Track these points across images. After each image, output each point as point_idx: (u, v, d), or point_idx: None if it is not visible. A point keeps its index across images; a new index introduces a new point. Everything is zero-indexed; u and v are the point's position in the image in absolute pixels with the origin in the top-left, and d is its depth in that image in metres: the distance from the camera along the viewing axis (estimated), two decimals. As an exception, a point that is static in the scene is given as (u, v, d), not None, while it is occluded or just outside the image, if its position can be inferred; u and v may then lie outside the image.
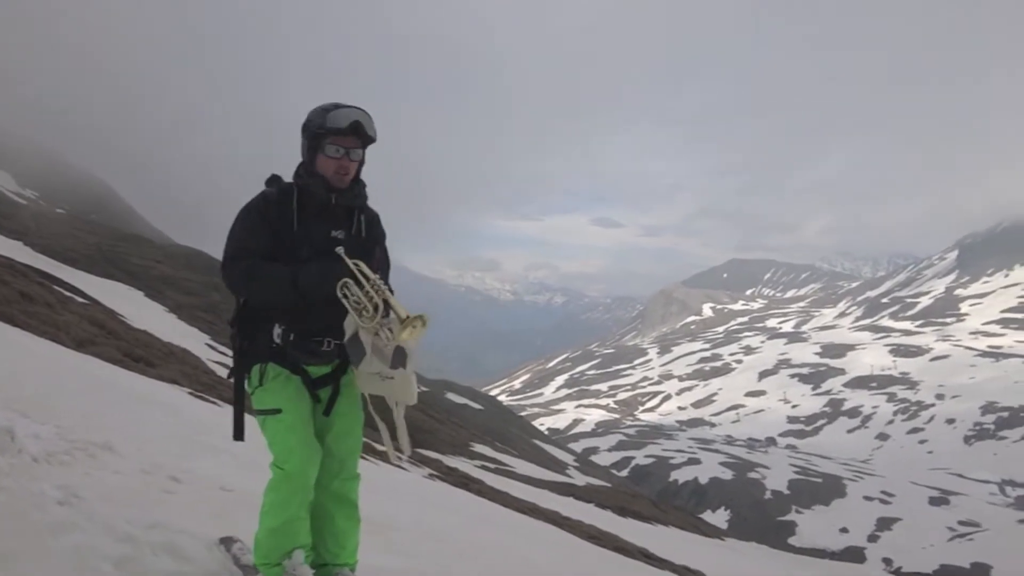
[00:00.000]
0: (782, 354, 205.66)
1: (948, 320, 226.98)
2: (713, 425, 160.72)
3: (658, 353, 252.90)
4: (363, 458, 4.32)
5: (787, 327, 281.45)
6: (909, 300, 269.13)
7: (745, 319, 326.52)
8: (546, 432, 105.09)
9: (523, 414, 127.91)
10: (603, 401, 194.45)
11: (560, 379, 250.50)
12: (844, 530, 72.93)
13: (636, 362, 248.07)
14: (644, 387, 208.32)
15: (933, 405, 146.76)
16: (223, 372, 21.54)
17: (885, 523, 73.79)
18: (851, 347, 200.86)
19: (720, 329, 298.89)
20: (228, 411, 13.45)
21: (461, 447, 37.35)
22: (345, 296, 3.83)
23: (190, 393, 14.06)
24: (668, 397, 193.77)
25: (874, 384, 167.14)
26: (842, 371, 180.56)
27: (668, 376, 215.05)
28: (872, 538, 71.18)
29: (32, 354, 10.75)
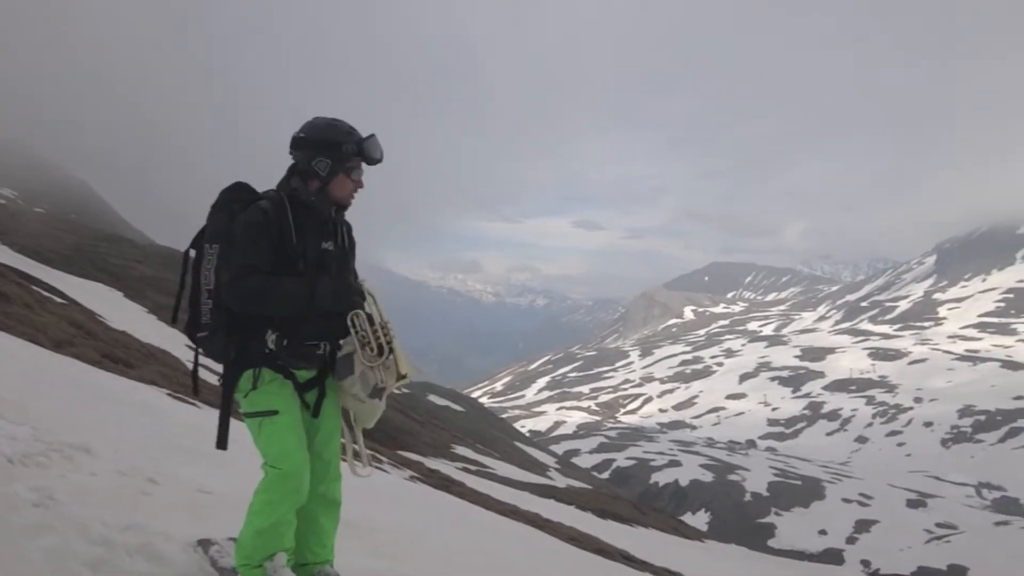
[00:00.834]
0: (762, 357, 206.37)
1: (926, 324, 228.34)
2: (694, 427, 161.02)
3: (639, 355, 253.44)
4: (343, 460, 4.34)
5: (767, 330, 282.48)
6: (888, 304, 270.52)
7: (726, 322, 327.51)
8: (527, 434, 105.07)
9: (505, 416, 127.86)
10: (584, 403, 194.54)
11: (542, 381, 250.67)
12: (823, 532, 73.20)
13: (618, 364, 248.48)
14: (625, 389, 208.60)
15: (911, 408, 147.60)
16: (203, 374, 21.45)
17: (863, 525, 74.12)
18: (831, 350, 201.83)
19: (701, 332, 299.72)
20: (207, 413, 13.39)
21: (442, 449, 37.31)
22: (353, 324, 4.00)
23: (169, 395, 13.98)
24: (649, 399, 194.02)
25: (853, 387, 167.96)
26: (821, 374, 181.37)
27: (649, 378, 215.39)
28: (850, 540, 71.45)
29: (9, 355, 10.66)
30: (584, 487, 48.05)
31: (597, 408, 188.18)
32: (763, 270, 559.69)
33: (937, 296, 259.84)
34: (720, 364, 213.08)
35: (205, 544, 4.39)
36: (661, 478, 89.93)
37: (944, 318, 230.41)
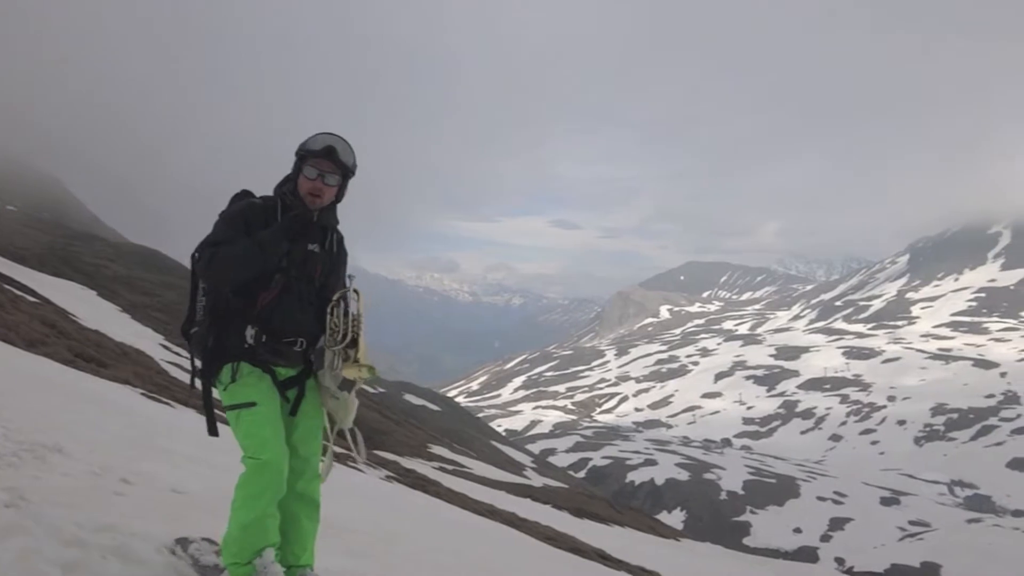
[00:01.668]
0: (738, 356, 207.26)
1: (900, 323, 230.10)
2: (669, 426, 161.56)
3: (615, 355, 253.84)
4: (321, 460, 4.34)
5: (743, 329, 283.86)
6: (862, 303, 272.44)
7: (702, 321, 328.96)
8: (504, 433, 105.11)
9: (481, 415, 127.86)
10: (561, 402, 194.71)
11: (518, 380, 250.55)
12: (798, 530, 73.64)
13: (594, 364, 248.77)
14: (601, 388, 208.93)
15: (885, 407, 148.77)
16: (177, 373, 21.33)
17: (837, 523, 74.63)
18: (805, 349, 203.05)
19: (677, 331, 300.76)
20: (182, 412, 13.33)
21: (418, 448, 37.25)
22: (331, 313, 4.13)
23: (143, 394, 13.89)
24: (625, 398, 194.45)
25: (827, 386, 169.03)
26: (796, 373, 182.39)
27: (625, 378, 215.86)
28: (825, 538, 71.93)
29: (-20, 354, 10.56)
30: (560, 486, 48.10)
31: (573, 407, 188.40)
32: (738, 269, 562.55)
33: (910, 295, 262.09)
34: (696, 363, 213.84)
35: (183, 542, 4.38)
36: (637, 477, 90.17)
37: (917, 317, 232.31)
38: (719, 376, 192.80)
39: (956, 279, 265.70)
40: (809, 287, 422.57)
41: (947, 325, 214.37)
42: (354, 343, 4.07)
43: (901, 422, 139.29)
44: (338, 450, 4.40)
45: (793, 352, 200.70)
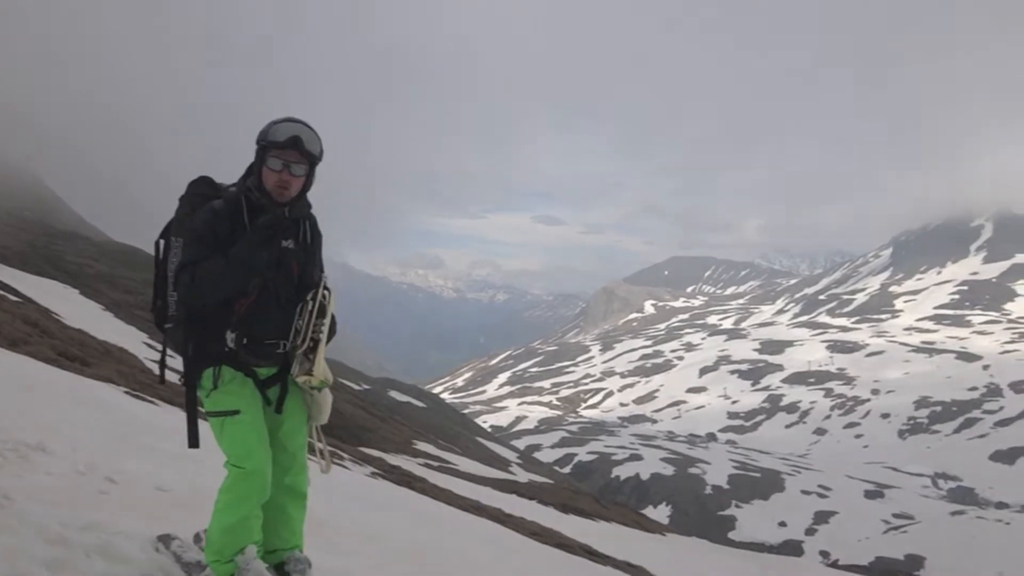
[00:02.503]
0: (722, 351, 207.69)
1: (883, 316, 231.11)
2: (654, 421, 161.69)
3: (600, 350, 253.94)
4: (311, 459, 4.38)
5: (727, 324, 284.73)
6: (845, 297, 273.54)
7: (686, 316, 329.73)
8: (489, 429, 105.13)
9: (466, 411, 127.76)
10: (546, 398, 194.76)
11: (503, 376, 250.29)
12: (782, 524, 73.92)
13: (579, 359, 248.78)
14: (587, 384, 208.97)
15: (868, 400, 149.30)
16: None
17: (822, 516, 74.93)
18: (789, 343, 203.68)
19: (662, 326, 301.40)
20: (166, 410, 13.27)
21: (404, 445, 37.21)
22: (299, 314, 4.09)
23: (126, 392, 13.84)
24: (610, 394, 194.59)
25: (811, 380, 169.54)
26: (780, 367, 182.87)
27: (610, 373, 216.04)
28: (809, 531, 72.22)
29: (-38, 354, 10.51)
30: (546, 482, 48.14)
31: (558, 403, 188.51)
32: (722, 264, 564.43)
33: (893, 289, 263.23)
34: (680, 358, 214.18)
35: (166, 539, 4.39)
36: (622, 472, 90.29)
37: (900, 310, 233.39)
38: (704, 371, 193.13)
39: (939, 272, 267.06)
40: (793, 281, 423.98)
41: (930, 318, 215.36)
42: (313, 349, 4.05)
43: (885, 415, 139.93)
44: (319, 447, 4.41)
45: (777, 346, 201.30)
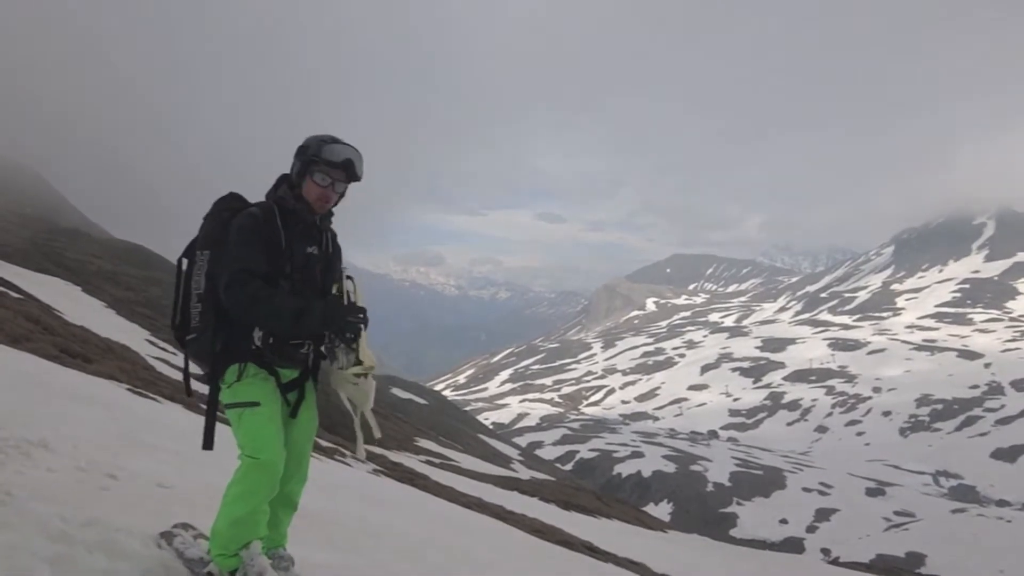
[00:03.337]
0: (724, 348, 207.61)
1: (885, 314, 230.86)
2: (656, 419, 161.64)
3: (602, 347, 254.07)
4: (308, 459, 4.40)
5: (729, 321, 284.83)
6: (847, 295, 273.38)
7: (688, 313, 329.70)
8: (491, 426, 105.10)
9: (468, 409, 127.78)
10: (547, 395, 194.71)
11: (505, 374, 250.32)
12: (784, 521, 73.91)
13: (580, 356, 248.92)
14: (588, 381, 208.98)
15: (870, 398, 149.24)
16: (163, 368, 21.27)
17: (823, 514, 74.91)
18: (791, 341, 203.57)
19: (663, 323, 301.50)
20: (167, 407, 13.26)
21: (406, 442, 37.23)
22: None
23: (128, 389, 13.85)
24: (612, 391, 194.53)
25: (813, 377, 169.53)
26: (782, 365, 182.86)
27: (612, 370, 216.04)
28: (811, 529, 72.20)
29: (-36, 350, 10.51)
30: (548, 479, 48.17)
31: (560, 400, 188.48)
32: (724, 262, 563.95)
33: (895, 287, 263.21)
34: (682, 355, 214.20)
35: (168, 536, 4.41)
36: (624, 469, 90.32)
37: (902, 308, 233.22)
38: (705, 368, 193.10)
39: (940, 270, 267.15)
40: (795, 279, 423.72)
41: (932, 316, 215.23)
42: (354, 339, 4.18)
43: (886, 413, 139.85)
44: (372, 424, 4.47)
45: (779, 344, 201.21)
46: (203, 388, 4.37)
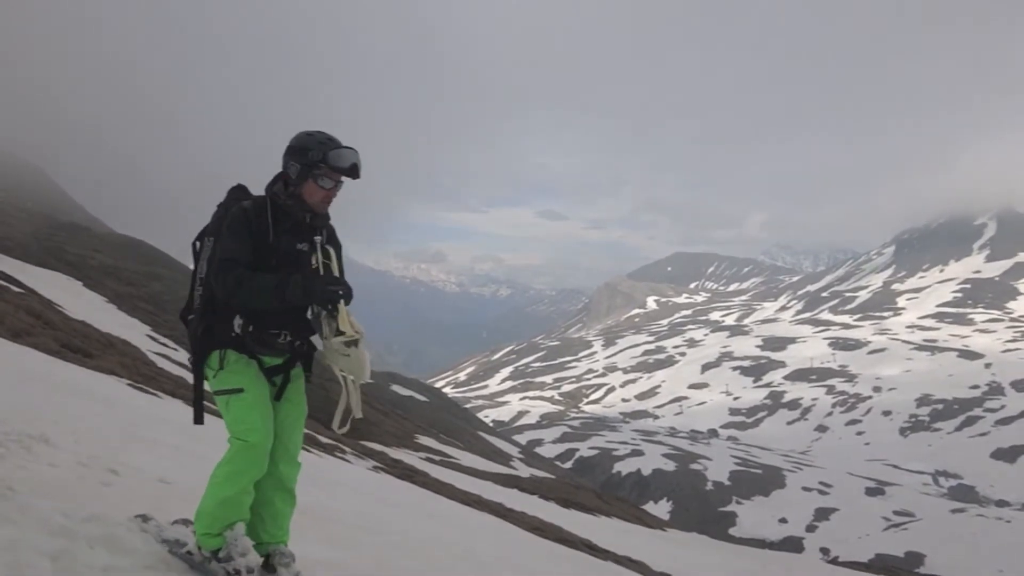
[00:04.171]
0: (724, 347, 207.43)
1: (885, 314, 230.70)
2: (656, 417, 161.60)
3: (603, 345, 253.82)
4: (306, 450, 4.40)
5: (729, 320, 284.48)
6: (848, 294, 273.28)
7: (689, 312, 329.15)
8: (491, 424, 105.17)
9: (468, 406, 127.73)
10: (548, 393, 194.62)
11: (505, 371, 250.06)
12: (783, 520, 73.90)
13: (581, 354, 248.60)
14: (589, 379, 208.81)
15: (870, 397, 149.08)
16: (164, 363, 21.29)
17: (823, 513, 74.91)
18: (792, 340, 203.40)
19: (664, 322, 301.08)
20: (168, 403, 13.29)
21: (406, 439, 37.28)
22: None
23: (129, 384, 13.86)
24: (612, 389, 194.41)
25: (813, 377, 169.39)
26: (783, 364, 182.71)
27: (612, 368, 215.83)
28: (810, 528, 72.19)
29: (-35, 345, 10.51)
30: (547, 477, 48.19)
31: (560, 398, 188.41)
32: (725, 260, 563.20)
33: (896, 286, 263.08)
34: (683, 354, 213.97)
35: (143, 518, 4.48)
36: (624, 467, 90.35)
37: (903, 308, 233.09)
38: (706, 367, 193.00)
39: (941, 270, 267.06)
40: (796, 278, 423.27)
41: (932, 316, 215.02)
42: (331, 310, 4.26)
43: (886, 413, 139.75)
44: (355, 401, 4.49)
45: (779, 343, 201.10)
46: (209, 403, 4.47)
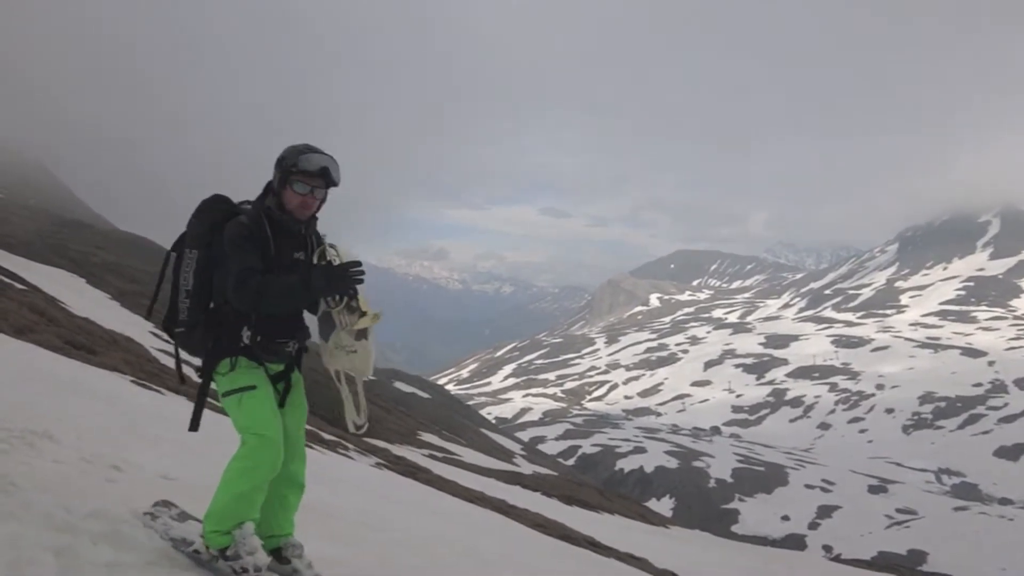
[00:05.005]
0: (727, 344, 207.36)
1: (888, 312, 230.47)
2: (659, 414, 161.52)
3: (605, 343, 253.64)
4: (309, 446, 4.44)
5: (732, 318, 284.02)
6: (851, 292, 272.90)
7: (691, 309, 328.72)
8: (494, 421, 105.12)
9: (471, 403, 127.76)
10: (550, 390, 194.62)
11: (508, 368, 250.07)
12: (786, 518, 73.88)
13: (584, 351, 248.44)
14: (591, 376, 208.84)
15: (873, 395, 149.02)
16: (168, 361, 21.29)
17: (825, 511, 74.88)
18: (794, 338, 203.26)
19: (667, 319, 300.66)
20: (171, 400, 13.30)
21: (409, 436, 37.31)
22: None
23: (133, 381, 13.88)
24: (615, 386, 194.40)
25: (816, 374, 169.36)
26: (785, 361, 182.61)
27: (615, 365, 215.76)
28: (813, 525, 72.16)
29: (-31, 341, 10.52)
30: (550, 473, 48.20)
31: (563, 395, 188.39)
32: (728, 258, 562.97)
33: (899, 284, 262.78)
34: (685, 351, 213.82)
35: (152, 516, 4.51)
36: (626, 464, 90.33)
37: (906, 306, 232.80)
38: (708, 364, 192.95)
39: (945, 268, 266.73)
40: (799, 276, 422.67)
41: (936, 314, 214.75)
42: (351, 299, 4.36)
43: (889, 410, 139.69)
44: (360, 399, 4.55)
45: (782, 340, 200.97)
46: (195, 374, 4.49)
